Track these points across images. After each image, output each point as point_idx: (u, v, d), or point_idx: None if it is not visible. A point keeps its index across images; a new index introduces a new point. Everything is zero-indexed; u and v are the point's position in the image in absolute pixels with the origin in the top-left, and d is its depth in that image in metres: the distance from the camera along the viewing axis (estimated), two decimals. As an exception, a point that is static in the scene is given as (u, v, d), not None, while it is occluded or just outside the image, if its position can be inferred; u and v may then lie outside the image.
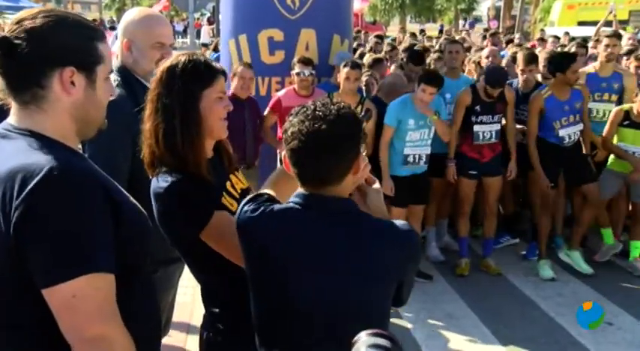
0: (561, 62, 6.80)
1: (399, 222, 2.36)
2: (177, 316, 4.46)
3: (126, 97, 3.20)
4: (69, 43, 1.99)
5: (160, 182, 2.57)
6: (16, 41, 1.91)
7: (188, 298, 5.68)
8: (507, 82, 7.24)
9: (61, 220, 1.82)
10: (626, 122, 6.82)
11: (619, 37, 7.80)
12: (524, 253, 7.60)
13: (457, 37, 14.61)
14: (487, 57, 8.15)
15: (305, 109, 2.26)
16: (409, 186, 6.56)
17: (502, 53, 10.33)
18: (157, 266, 2.24)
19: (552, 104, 6.80)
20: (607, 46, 7.38)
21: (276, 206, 2.32)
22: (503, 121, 7.03)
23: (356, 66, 6.51)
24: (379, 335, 1.56)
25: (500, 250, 7.54)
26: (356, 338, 1.57)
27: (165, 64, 2.69)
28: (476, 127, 6.81)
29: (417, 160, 6.60)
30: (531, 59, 7.51)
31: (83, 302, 1.82)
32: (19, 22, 1.96)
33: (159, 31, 3.40)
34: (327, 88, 7.01)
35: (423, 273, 6.76)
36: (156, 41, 3.34)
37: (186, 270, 2.99)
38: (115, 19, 45.20)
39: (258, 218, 2.28)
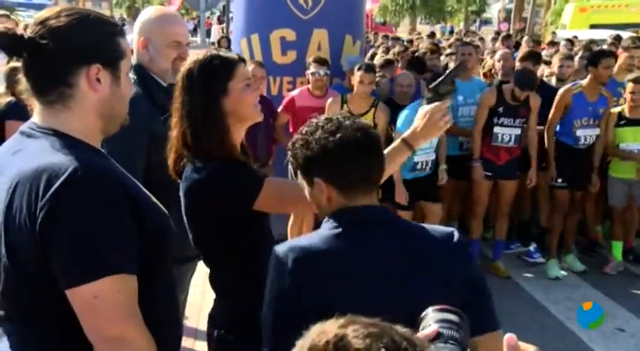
0: (595, 56, 6.91)
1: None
2: (185, 314, 4.45)
3: (142, 95, 3.19)
4: (94, 41, 2.00)
5: (195, 174, 2.63)
6: (42, 41, 1.91)
7: (197, 297, 5.68)
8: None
9: (84, 221, 1.83)
10: (622, 122, 6.88)
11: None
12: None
13: (468, 39, 14.59)
14: (499, 60, 8.07)
15: (326, 121, 2.17)
16: (415, 187, 6.54)
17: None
18: (171, 265, 2.22)
19: (579, 102, 6.85)
20: (628, 56, 7.53)
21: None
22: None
23: (370, 69, 6.52)
24: (447, 310, 1.55)
25: (510, 255, 7.51)
26: (423, 314, 1.56)
27: (183, 69, 2.73)
28: (496, 129, 6.77)
29: (424, 167, 6.59)
30: (530, 56, 7.56)
31: (104, 303, 1.83)
32: (42, 22, 1.96)
33: (175, 29, 3.41)
34: (340, 89, 7.01)
35: None
36: (173, 40, 3.35)
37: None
38: (125, 16, 45.32)
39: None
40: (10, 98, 6.35)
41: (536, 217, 8.06)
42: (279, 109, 6.77)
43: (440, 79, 2.80)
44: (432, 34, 21.46)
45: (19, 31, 2.07)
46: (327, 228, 2.09)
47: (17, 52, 1.97)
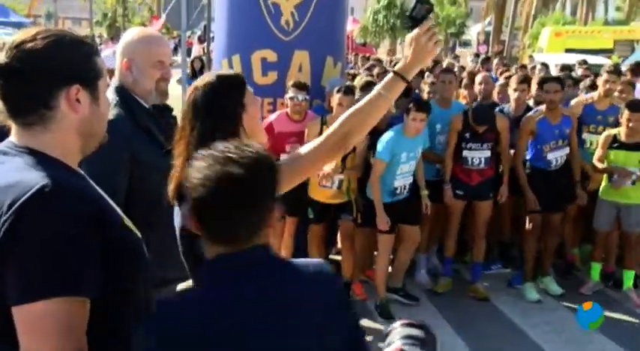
0: (540, 81, 7.30)
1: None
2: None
3: (125, 117, 3.18)
4: (71, 61, 1.99)
5: None
6: (20, 66, 1.90)
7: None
8: (498, 107, 7.33)
9: (44, 239, 1.78)
10: (615, 145, 6.91)
11: (619, 73, 7.87)
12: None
13: (446, 62, 14.68)
14: (480, 83, 8.14)
15: (214, 150, 1.93)
16: (394, 210, 6.48)
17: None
18: (149, 289, 2.19)
19: (544, 127, 6.93)
20: (606, 81, 7.49)
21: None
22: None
23: (349, 92, 6.47)
24: (412, 325, 1.52)
25: (489, 277, 7.51)
26: (390, 328, 1.58)
27: (190, 96, 2.69)
28: (465, 153, 6.89)
29: (402, 191, 6.59)
30: (523, 80, 7.68)
31: (46, 325, 1.78)
32: (18, 45, 1.94)
33: (159, 50, 3.38)
34: (320, 111, 6.98)
35: (410, 295, 6.79)
36: (157, 60, 3.33)
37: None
38: (105, 35, 45.24)
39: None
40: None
41: (515, 239, 8.08)
42: None
43: (413, 5, 2.67)
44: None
45: None
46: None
47: None
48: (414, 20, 2.64)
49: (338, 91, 6.38)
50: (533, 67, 15.41)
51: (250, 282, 1.89)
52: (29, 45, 1.93)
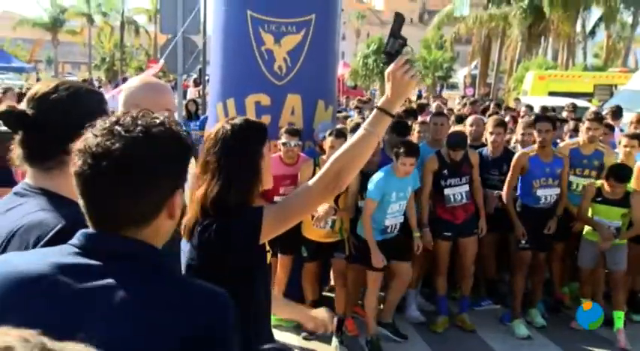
0: (534, 120, 7.52)
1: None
2: None
3: None
4: (89, 110, 2.04)
5: (215, 228, 2.78)
6: (42, 117, 2.03)
7: None
8: (478, 150, 7.44)
9: None
10: (598, 199, 6.94)
11: (600, 120, 7.92)
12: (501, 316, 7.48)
13: (434, 105, 14.78)
14: (471, 125, 8.20)
15: (107, 120, 1.68)
16: (386, 248, 6.42)
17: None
18: None
19: (536, 163, 7.00)
20: (589, 129, 7.53)
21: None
22: None
23: (341, 135, 6.47)
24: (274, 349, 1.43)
25: (480, 313, 7.43)
26: None
27: (215, 132, 2.90)
28: (446, 191, 6.94)
29: (393, 229, 6.56)
30: (499, 123, 7.72)
31: None
32: (42, 97, 2.05)
33: (165, 97, 3.39)
34: (312, 154, 7.00)
35: (399, 332, 6.72)
36: (164, 108, 3.34)
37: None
38: (103, 78, 45.41)
39: None
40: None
41: (503, 275, 8.05)
42: None
43: (386, 41, 2.69)
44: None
45: (21, 107, 2.13)
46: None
47: (21, 128, 2.04)
48: (388, 55, 2.66)
49: (330, 134, 6.38)
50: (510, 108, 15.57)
51: (91, 272, 1.58)
52: (52, 97, 2.04)
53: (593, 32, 37.84)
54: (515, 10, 33.46)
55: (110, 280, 1.54)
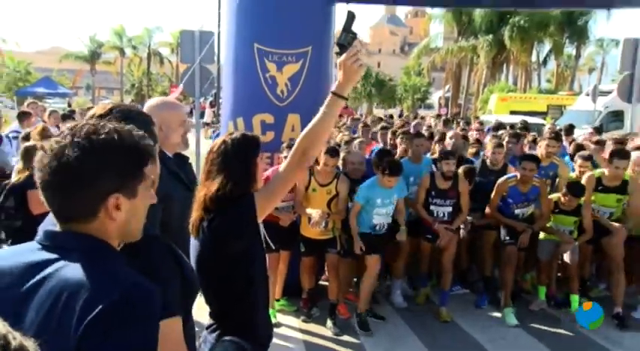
0: (520, 158, 7.28)
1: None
2: None
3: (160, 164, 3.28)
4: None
5: (218, 218, 2.86)
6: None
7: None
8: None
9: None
10: (556, 210, 7.09)
11: (558, 139, 8.13)
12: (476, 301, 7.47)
13: (413, 123, 14.79)
14: (451, 138, 8.60)
15: (69, 126, 1.61)
16: (371, 240, 6.44)
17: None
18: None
19: (514, 192, 7.09)
20: (548, 145, 7.71)
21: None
22: None
23: (334, 154, 6.45)
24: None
25: (454, 299, 7.35)
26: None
27: (219, 143, 3.01)
28: (432, 207, 7.01)
29: (381, 228, 6.57)
30: (498, 144, 7.86)
31: None
32: (99, 117, 2.13)
33: (182, 113, 3.49)
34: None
35: (377, 315, 6.72)
36: (182, 119, 3.43)
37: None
38: (133, 101, 45.47)
39: None
40: (28, 173, 6.19)
41: (475, 264, 8.06)
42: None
43: (340, 35, 2.72)
44: (390, 116, 21.60)
45: None
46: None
47: None
48: (341, 47, 2.69)
49: (326, 153, 6.30)
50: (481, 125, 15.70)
51: (35, 260, 1.52)
52: (107, 117, 2.08)
53: (545, 61, 37.97)
54: (482, 42, 33.54)
55: (48, 271, 1.47)
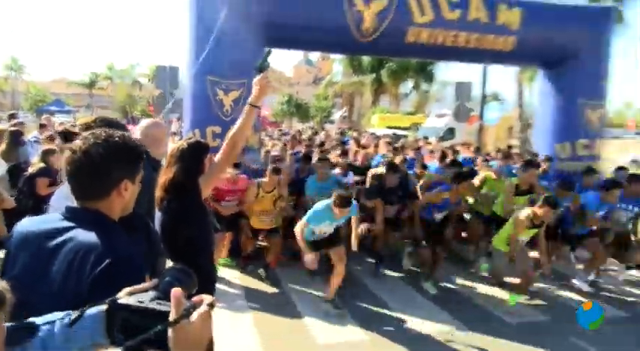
0: (456, 176, 6.18)
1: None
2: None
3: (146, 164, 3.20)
4: None
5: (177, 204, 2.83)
6: None
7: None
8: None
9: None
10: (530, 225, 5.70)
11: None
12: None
13: (323, 132, 14.87)
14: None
15: (90, 132, 1.61)
16: (317, 244, 5.31)
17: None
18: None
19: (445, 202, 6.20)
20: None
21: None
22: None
23: (277, 172, 6.26)
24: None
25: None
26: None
27: (176, 147, 2.99)
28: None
29: (322, 235, 5.28)
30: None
31: None
32: (86, 124, 2.07)
33: (165, 129, 3.48)
34: (250, 174, 6.81)
35: (338, 306, 5.40)
36: (161, 135, 3.36)
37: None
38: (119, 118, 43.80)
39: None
40: (42, 164, 5.93)
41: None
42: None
43: (258, 62, 2.85)
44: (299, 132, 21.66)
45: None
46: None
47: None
48: (258, 70, 2.83)
49: (270, 172, 6.26)
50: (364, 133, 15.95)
51: (58, 228, 1.49)
52: (92, 125, 2.04)
53: (407, 94, 38.96)
54: (367, 79, 34.13)
55: (69, 235, 1.47)
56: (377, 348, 4.64)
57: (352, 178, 7.57)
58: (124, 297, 1.16)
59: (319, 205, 5.11)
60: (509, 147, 12.92)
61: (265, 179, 6.37)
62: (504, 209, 6.59)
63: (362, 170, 7.87)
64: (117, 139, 1.57)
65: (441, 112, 26.73)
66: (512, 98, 22.03)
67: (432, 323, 5.22)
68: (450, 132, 22.46)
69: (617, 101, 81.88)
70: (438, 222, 6.38)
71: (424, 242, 6.40)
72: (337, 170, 7.52)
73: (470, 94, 12.85)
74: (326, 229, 5.24)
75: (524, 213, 5.58)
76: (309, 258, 5.00)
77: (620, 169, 8.06)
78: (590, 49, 8.49)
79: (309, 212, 5.13)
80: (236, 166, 6.20)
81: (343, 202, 4.88)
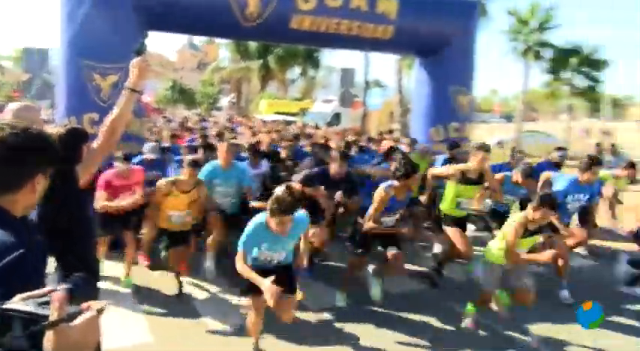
0: (405, 172, 4.72)
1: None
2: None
3: None
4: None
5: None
6: None
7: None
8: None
9: None
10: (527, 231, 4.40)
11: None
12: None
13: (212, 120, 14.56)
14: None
15: (5, 122, 1.50)
16: (267, 274, 3.57)
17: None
18: None
19: (393, 201, 4.78)
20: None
21: None
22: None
23: (196, 165, 5.18)
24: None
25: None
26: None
27: (54, 131, 2.92)
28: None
29: (269, 261, 3.81)
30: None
31: None
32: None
33: (39, 112, 3.34)
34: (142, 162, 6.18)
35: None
36: (34, 118, 3.12)
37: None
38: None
39: None
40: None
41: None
42: (98, 189, 5.16)
43: (136, 46, 2.84)
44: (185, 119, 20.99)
45: None
46: None
47: None
48: (137, 53, 2.80)
49: (189, 165, 5.11)
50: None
51: None
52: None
53: (295, 80, 39.35)
54: (255, 65, 33.88)
55: None
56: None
57: (266, 165, 6.70)
58: (17, 302, 1.11)
59: (250, 224, 3.73)
60: (390, 131, 13.69)
61: (182, 176, 5.18)
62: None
63: (272, 157, 7.25)
64: (35, 131, 1.48)
65: (328, 97, 27.50)
66: (393, 85, 23.21)
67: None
68: (337, 117, 23.15)
69: (484, 88, 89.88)
70: (391, 226, 4.92)
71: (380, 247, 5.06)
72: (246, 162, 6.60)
73: (353, 80, 13.38)
74: (272, 256, 3.77)
75: (515, 219, 4.40)
76: (271, 291, 3.39)
77: (560, 149, 7.69)
78: (459, 39, 9.24)
79: (245, 237, 3.70)
80: (126, 158, 5.41)
81: (283, 208, 3.42)
